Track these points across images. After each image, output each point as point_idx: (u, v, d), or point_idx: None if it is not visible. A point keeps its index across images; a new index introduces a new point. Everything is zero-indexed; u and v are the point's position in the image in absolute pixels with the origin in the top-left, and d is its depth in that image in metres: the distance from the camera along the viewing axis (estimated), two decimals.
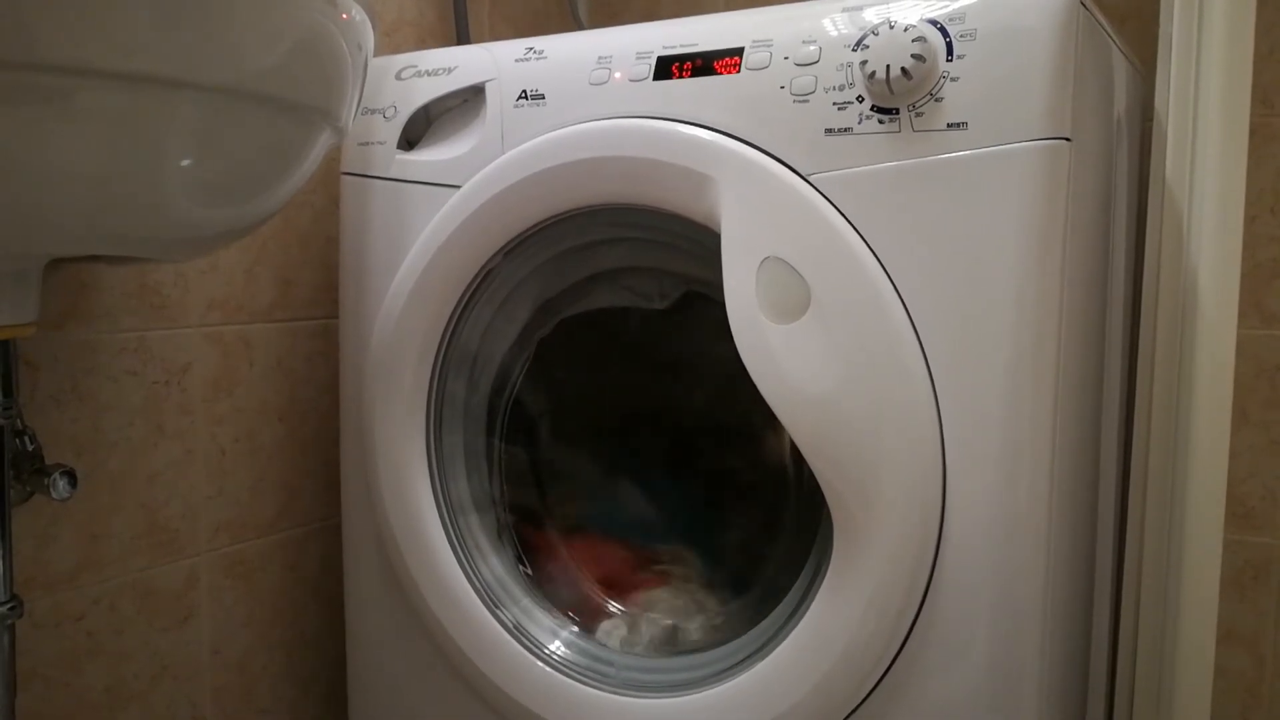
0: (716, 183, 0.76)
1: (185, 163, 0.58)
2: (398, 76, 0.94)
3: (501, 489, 0.99)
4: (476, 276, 0.89)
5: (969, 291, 0.70)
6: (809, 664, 0.75)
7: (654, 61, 0.81)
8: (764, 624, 0.83)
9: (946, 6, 0.70)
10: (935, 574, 0.72)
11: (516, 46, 0.88)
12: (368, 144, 0.95)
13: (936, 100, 0.70)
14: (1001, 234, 0.69)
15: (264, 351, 1.04)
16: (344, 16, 0.64)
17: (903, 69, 0.69)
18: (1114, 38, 0.83)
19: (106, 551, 0.90)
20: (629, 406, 1.14)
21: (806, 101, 0.74)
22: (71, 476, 0.79)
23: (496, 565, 0.94)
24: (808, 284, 0.73)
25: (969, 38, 0.69)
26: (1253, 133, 1.06)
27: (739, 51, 0.77)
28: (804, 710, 0.75)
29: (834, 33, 0.74)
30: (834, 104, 0.73)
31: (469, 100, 0.92)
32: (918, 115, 0.70)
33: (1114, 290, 0.90)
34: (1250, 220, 1.07)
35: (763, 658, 0.78)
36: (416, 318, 0.90)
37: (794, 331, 0.73)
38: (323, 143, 0.69)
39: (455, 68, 0.91)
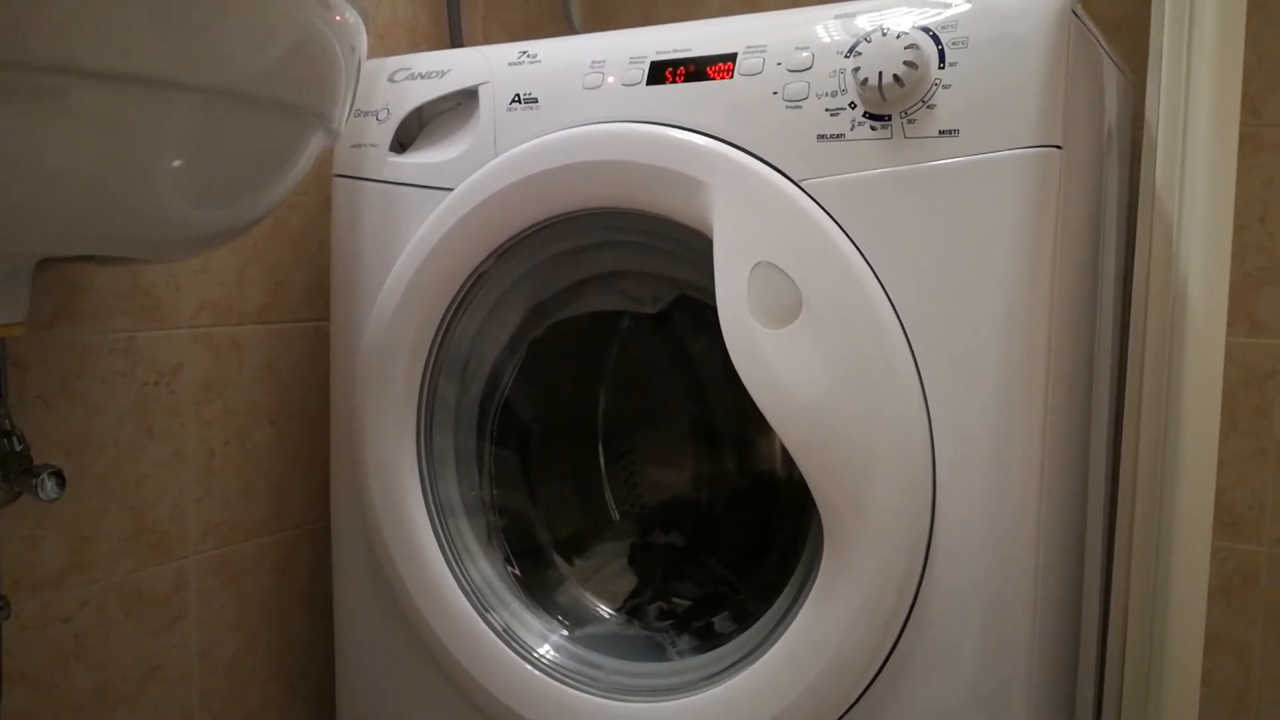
0: (709, 188, 0.76)
1: (177, 163, 0.58)
2: (391, 79, 0.94)
3: (491, 492, 0.99)
4: (468, 279, 0.89)
5: (960, 298, 0.70)
6: (799, 669, 0.75)
7: (647, 66, 0.81)
8: (754, 628, 0.83)
9: (939, 14, 0.70)
10: (925, 579, 0.72)
11: (510, 50, 0.88)
12: (360, 146, 0.95)
13: (929, 107, 0.70)
14: (992, 241, 0.69)
15: (255, 353, 1.04)
16: (337, 18, 0.64)
17: (895, 76, 0.69)
18: (1105, 47, 0.83)
19: (94, 553, 0.90)
20: (619, 410, 1.14)
21: (799, 107, 0.74)
22: (60, 477, 0.79)
23: (486, 568, 0.94)
24: (799, 289, 0.73)
25: (961, 45, 0.69)
26: (1242, 142, 1.07)
27: (732, 57, 0.78)
28: (793, 715, 0.76)
29: (827, 39, 0.74)
30: (826, 110, 0.73)
31: (462, 103, 0.92)
32: (910, 122, 0.71)
33: (1104, 298, 0.90)
34: (1239, 229, 1.07)
35: (752, 662, 0.78)
36: (408, 320, 0.90)
37: (786, 337, 0.73)
38: (315, 144, 0.69)
39: (448, 71, 0.91)
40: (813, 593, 0.75)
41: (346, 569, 0.99)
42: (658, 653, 0.92)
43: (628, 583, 1.04)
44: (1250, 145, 1.07)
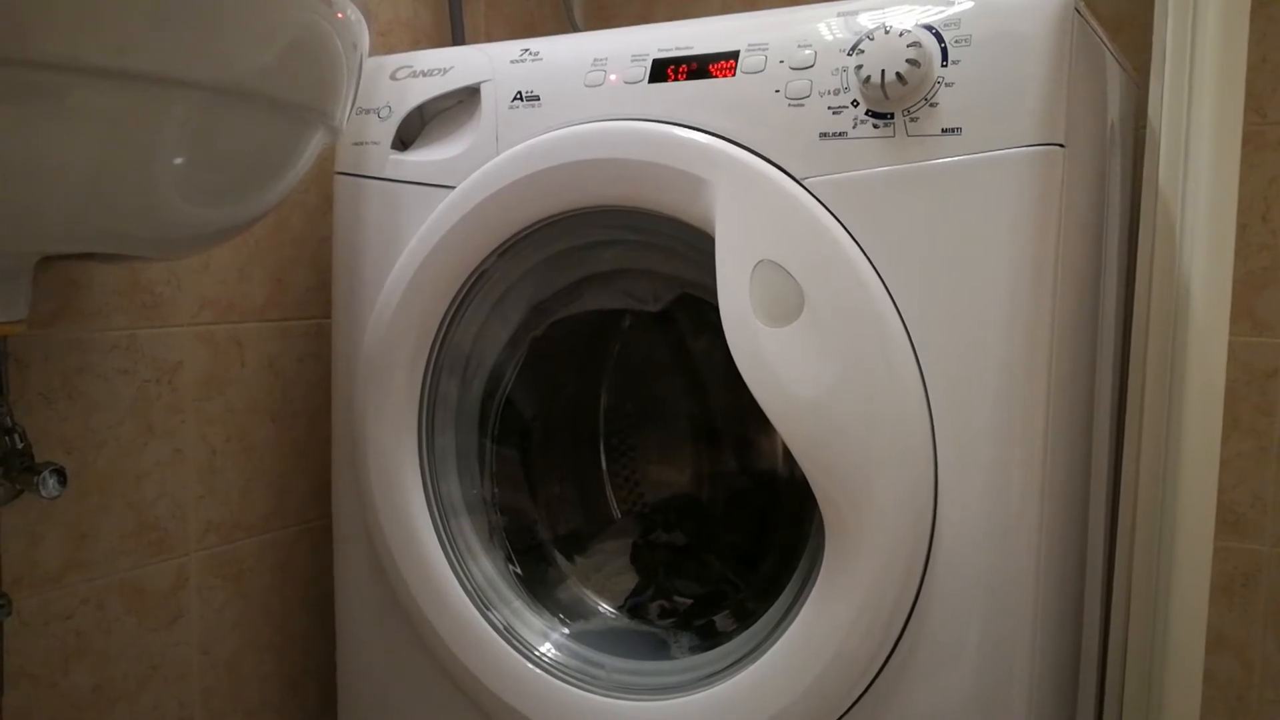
0: (711, 185, 0.76)
1: (178, 161, 0.58)
2: (392, 76, 0.94)
3: (493, 490, 0.99)
4: (470, 277, 0.89)
5: (962, 296, 0.70)
6: (800, 668, 0.75)
7: (649, 64, 0.81)
8: (755, 627, 0.83)
9: (942, 12, 0.70)
10: (926, 579, 0.72)
11: (512, 48, 0.88)
12: (362, 144, 0.95)
13: (931, 105, 0.70)
14: (995, 239, 0.69)
15: (256, 351, 1.03)
16: (339, 15, 0.64)
17: (898, 74, 0.69)
18: (1108, 45, 0.83)
19: (95, 550, 0.90)
20: (621, 408, 1.14)
21: (801, 105, 0.74)
22: (61, 475, 0.79)
23: (487, 566, 0.94)
24: (801, 288, 0.73)
25: (964, 43, 0.69)
26: (1244, 141, 1.06)
27: (734, 55, 0.77)
28: (794, 714, 0.75)
29: (829, 37, 0.74)
30: (829, 108, 0.73)
31: (464, 101, 0.92)
32: (912, 120, 0.70)
33: (1106, 296, 0.90)
34: (1241, 228, 1.07)
35: (754, 661, 0.78)
36: (409, 318, 0.90)
37: (787, 335, 0.73)
38: (316, 142, 0.69)
39: (450, 68, 0.91)
40: (814, 592, 0.75)
41: (347, 567, 0.99)
42: (659, 651, 0.92)
43: (629, 581, 1.04)
44: (1253, 144, 1.06)
